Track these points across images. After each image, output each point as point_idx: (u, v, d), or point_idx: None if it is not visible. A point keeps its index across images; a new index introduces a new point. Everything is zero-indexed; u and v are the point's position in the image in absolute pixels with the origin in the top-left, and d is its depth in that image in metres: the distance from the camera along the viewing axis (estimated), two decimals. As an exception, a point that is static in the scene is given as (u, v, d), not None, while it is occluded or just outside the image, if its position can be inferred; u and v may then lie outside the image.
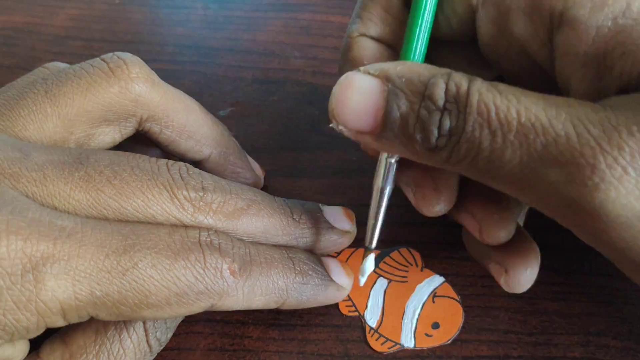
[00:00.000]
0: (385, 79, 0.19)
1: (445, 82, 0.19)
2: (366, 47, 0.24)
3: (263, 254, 0.22)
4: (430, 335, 0.25)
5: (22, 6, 0.43)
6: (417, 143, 0.19)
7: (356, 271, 0.26)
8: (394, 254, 0.27)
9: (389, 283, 0.27)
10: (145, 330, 0.21)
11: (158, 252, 0.19)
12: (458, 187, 0.24)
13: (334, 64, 0.36)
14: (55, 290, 0.18)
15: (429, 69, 0.19)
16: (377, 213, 0.23)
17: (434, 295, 0.26)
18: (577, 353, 0.24)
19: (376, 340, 0.25)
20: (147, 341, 0.21)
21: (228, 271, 0.20)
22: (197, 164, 0.27)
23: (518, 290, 0.23)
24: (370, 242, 0.23)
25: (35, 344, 0.21)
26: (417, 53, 0.22)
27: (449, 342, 0.25)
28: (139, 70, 0.24)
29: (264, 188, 0.30)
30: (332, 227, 0.25)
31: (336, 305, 0.26)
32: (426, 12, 0.22)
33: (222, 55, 0.39)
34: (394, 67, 0.20)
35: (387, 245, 0.24)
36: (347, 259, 0.27)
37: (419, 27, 0.22)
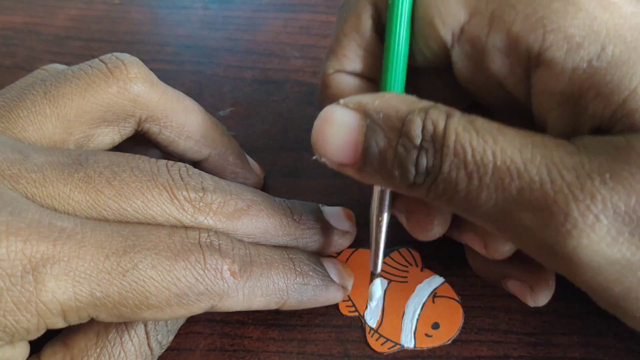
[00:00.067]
0: (364, 113, 0.19)
1: (422, 119, 0.19)
2: (344, 83, 0.24)
3: (263, 254, 0.22)
4: (430, 336, 0.25)
5: (22, 6, 0.43)
6: (396, 179, 0.19)
7: (356, 271, 0.26)
8: (394, 254, 0.27)
9: (389, 283, 0.27)
10: (147, 333, 0.21)
11: (158, 253, 0.19)
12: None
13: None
14: (56, 291, 0.18)
15: (407, 104, 0.19)
16: (378, 240, 0.23)
17: (434, 295, 0.26)
18: (577, 353, 0.24)
19: (376, 340, 0.25)
20: (149, 344, 0.21)
21: (228, 272, 0.20)
22: (197, 164, 0.27)
23: (543, 303, 0.24)
24: (375, 268, 0.24)
25: (36, 347, 0.21)
26: (396, 83, 0.22)
27: (449, 342, 0.25)
28: (137, 71, 0.24)
29: (264, 188, 0.30)
30: (332, 228, 0.25)
31: (336, 306, 0.26)
32: (400, 44, 0.22)
33: (222, 56, 0.38)
34: (372, 102, 0.20)
35: (387, 245, 0.24)
36: (347, 259, 0.27)
37: (395, 59, 0.22)
